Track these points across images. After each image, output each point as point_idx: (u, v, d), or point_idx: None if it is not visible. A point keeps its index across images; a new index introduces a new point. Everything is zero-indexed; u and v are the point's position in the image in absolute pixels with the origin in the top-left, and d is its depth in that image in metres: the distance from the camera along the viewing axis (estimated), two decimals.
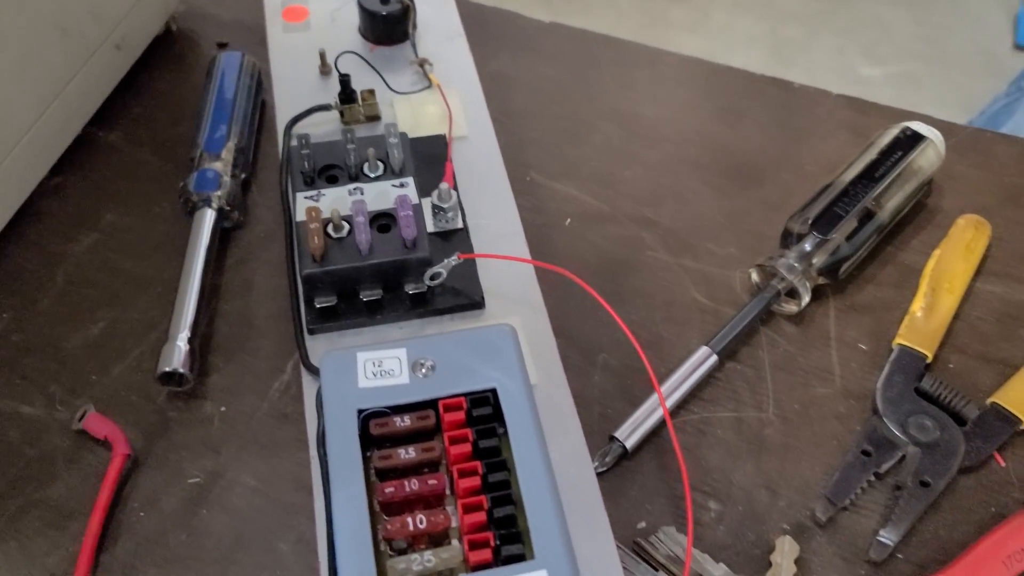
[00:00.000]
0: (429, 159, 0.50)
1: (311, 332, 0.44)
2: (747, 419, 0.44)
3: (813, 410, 0.44)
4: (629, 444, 0.42)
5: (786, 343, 0.47)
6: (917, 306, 0.46)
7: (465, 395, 0.36)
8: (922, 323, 0.46)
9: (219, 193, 0.48)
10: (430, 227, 0.47)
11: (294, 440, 0.42)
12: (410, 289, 0.44)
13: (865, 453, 0.42)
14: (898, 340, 0.45)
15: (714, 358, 0.44)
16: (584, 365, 0.45)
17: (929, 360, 0.45)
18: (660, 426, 0.43)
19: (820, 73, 1.66)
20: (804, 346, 0.47)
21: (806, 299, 0.46)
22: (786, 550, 0.39)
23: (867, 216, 0.47)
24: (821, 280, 0.47)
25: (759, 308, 0.46)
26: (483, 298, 0.45)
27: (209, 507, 0.40)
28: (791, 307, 0.47)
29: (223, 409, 0.43)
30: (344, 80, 0.52)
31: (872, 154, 0.50)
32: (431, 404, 0.36)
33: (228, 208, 0.49)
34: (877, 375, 0.45)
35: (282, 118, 0.53)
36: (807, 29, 1.77)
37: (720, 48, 1.70)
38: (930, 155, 0.50)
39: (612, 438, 0.42)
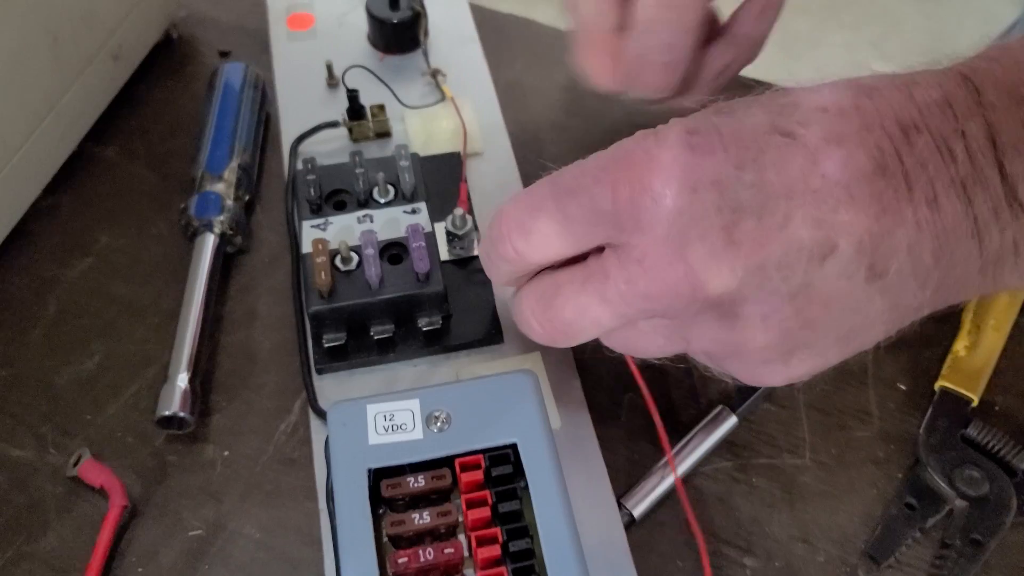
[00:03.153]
0: (442, 179, 0.48)
1: (319, 372, 0.41)
2: (782, 465, 0.41)
3: (850, 454, 0.42)
4: (637, 512, 0.39)
5: (821, 380, 0.44)
6: (960, 345, 0.44)
7: (483, 451, 0.34)
8: (966, 363, 0.43)
9: (221, 218, 0.46)
10: (444, 255, 0.44)
11: (301, 487, 0.40)
12: (423, 325, 0.42)
13: (909, 506, 0.39)
14: (941, 382, 0.43)
15: (733, 419, 0.41)
16: (609, 405, 0.43)
17: (975, 404, 0.42)
18: (692, 474, 0.40)
19: (828, 68, 1.63)
20: (840, 384, 0.44)
21: None
22: None
23: None
24: None
25: None
26: (502, 332, 0.43)
27: (211, 562, 0.38)
28: None
29: (226, 453, 0.41)
30: (352, 96, 0.49)
31: None
32: (447, 462, 0.34)
33: (231, 232, 0.46)
34: (917, 416, 0.42)
35: (287, 131, 0.50)
36: (815, 24, 1.74)
37: None
38: None
39: (620, 504, 0.39)
